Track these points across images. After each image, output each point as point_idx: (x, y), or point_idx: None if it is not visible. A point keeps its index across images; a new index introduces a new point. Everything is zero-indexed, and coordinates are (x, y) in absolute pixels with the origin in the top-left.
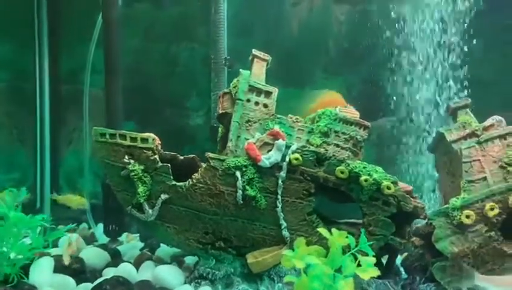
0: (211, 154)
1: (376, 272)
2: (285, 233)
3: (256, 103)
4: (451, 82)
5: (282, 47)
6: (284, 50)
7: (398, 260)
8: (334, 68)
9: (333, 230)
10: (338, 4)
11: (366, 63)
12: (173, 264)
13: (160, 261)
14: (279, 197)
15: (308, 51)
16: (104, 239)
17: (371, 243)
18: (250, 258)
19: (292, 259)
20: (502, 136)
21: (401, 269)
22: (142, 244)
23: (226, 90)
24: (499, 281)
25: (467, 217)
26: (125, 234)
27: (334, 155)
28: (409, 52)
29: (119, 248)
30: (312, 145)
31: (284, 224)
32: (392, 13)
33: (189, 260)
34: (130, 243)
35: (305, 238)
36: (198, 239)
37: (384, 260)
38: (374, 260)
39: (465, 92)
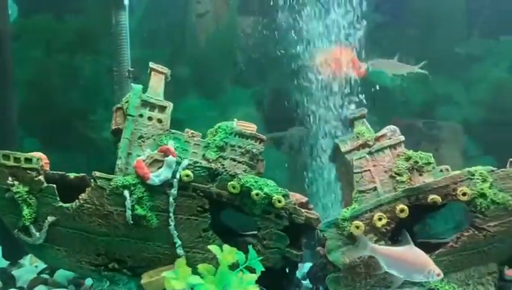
0: (97, 174)
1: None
2: (180, 251)
3: (150, 118)
4: (355, 91)
5: (190, 58)
6: (192, 61)
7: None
8: (243, 79)
9: (224, 247)
10: (244, 16)
11: (274, 74)
12: (69, 288)
13: (55, 285)
14: (171, 215)
15: (216, 63)
16: (3, 263)
17: (260, 258)
18: (145, 278)
19: (172, 280)
20: (393, 146)
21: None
22: (44, 267)
23: (118, 105)
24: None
25: (356, 227)
26: (28, 256)
27: (226, 170)
28: (314, 62)
29: (16, 271)
30: (208, 160)
31: (179, 242)
32: (298, 24)
33: (90, 281)
34: (33, 265)
35: (202, 255)
36: (90, 261)
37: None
38: (255, 276)
39: (368, 101)
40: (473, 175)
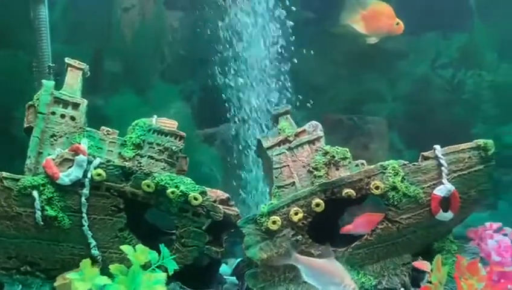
0: (4, 174)
1: (163, 289)
2: (95, 252)
3: (63, 116)
4: (285, 88)
5: (116, 54)
6: (118, 57)
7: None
8: (172, 75)
9: (137, 246)
10: (171, 10)
11: (204, 70)
12: None
13: None
14: (84, 215)
15: (144, 58)
16: None
17: (175, 256)
18: (59, 281)
19: (77, 281)
20: (311, 142)
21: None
22: None
23: (30, 102)
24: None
25: (274, 222)
26: None
27: (140, 169)
28: (243, 59)
29: None
30: (124, 159)
31: (93, 243)
32: (226, 20)
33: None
34: None
35: (118, 255)
36: (0, 265)
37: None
38: (164, 275)
39: (299, 97)
40: (386, 169)
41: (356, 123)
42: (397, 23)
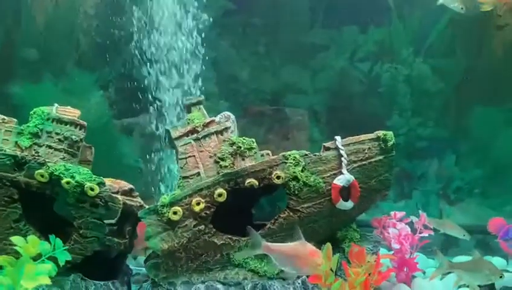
0: None
1: (46, 280)
2: None
3: None
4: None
5: (30, 41)
6: (32, 44)
7: None
8: (86, 63)
9: (29, 238)
10: None
11: (121, 59)
12: None
13: None
14: None
15: (58, 45)
16: None
17: (66, 247)
18: None
19: None
20: (219, 132)
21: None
22: None
23: None
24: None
25: (174, 213)
26: None
27: (34, 158)
28: (161, 48)
29: None
30: (20, 148)
31: None
32: (143, 7)
33: None
34: None
35: (13, 246)
36: None
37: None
38: (48, 267)
39: (217, 88)
40: (287, 159)
41: (278, 114)
42: None
